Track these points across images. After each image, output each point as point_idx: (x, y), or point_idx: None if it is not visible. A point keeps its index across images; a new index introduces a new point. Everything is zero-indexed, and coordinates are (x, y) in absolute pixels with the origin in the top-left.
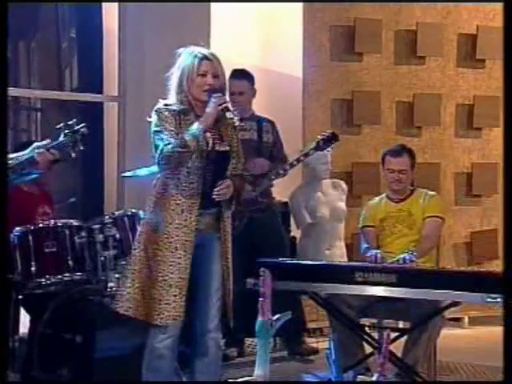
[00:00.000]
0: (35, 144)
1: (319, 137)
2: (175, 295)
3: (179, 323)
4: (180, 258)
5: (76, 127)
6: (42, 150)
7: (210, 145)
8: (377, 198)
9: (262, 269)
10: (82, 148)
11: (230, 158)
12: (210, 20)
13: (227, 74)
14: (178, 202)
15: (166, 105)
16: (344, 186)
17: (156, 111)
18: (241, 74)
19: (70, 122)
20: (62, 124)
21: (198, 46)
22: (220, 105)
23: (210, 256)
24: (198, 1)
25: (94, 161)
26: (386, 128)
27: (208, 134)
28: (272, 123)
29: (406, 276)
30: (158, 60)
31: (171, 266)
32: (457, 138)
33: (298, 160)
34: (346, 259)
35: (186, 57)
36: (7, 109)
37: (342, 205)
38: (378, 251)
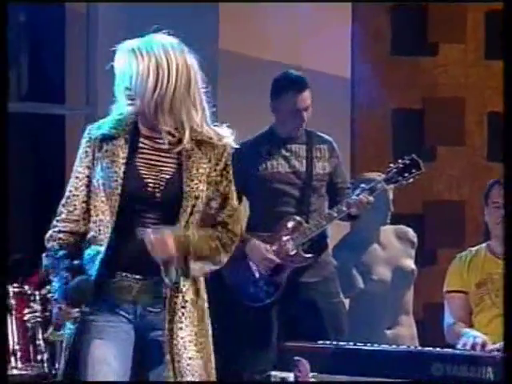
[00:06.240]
0: None
1: (392, 165)
2: None
3: None
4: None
5: None
6: None
7: (150, 193)
8: (473, 250)
9: (295, 357)
10: None
11: (183, 203)
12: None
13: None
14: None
15: (93, 128)
16: (412, 235)
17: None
18: (303, 82)
19: None
20: None
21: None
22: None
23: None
24: None
25: (51, 199)
26: (472, 151)
27: (150, 177)
28: (330, 145)
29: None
30: None
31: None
32: None
33: (359, 199)
34: (416, 343)
35: None
36: (7, 107)
37: (410, 263)
38: (479, 335)
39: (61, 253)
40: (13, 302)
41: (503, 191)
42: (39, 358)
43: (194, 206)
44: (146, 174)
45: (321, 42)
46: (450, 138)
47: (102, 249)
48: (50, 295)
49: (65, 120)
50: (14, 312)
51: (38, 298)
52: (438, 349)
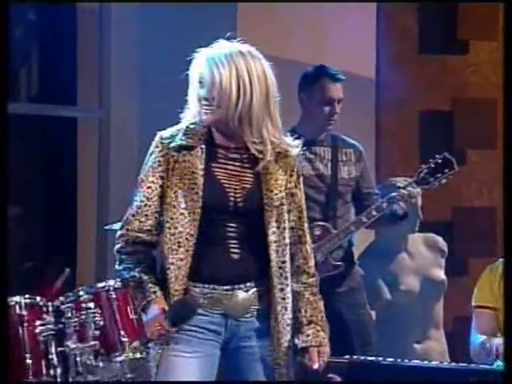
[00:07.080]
0: None
1: (423, 166)
2: None
3: None
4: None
5: None
6: None
7: (232, 202)
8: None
9: (329, 375)
10: None
11: (266, 215)
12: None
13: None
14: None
15: (166, 137)
16: (442, 243)
17: (152, 146)
18: (338, 74)
19: None
20: None
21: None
22: (157, 329)
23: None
24: None
25: (63, 204)
26: None
27: (230, 186)
28: (357, 149)
29: None
30: (160, 58)
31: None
32: None
33: (389, 202)
34: (447, 357)
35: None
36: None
37: (440, 273)
38: (500, 341)
39: (140, 266)
40: (24, 313)
41: (503, 192)
42: (52, 372)
43: (278, 216)
44: (226, 184)
45: (344, 41)
46: (480, 140)
47: (185, 262)
48: (63, 307)
49: (77, 123)
50: (25, 324)
51: (51, 309)
52: (473, 365)
